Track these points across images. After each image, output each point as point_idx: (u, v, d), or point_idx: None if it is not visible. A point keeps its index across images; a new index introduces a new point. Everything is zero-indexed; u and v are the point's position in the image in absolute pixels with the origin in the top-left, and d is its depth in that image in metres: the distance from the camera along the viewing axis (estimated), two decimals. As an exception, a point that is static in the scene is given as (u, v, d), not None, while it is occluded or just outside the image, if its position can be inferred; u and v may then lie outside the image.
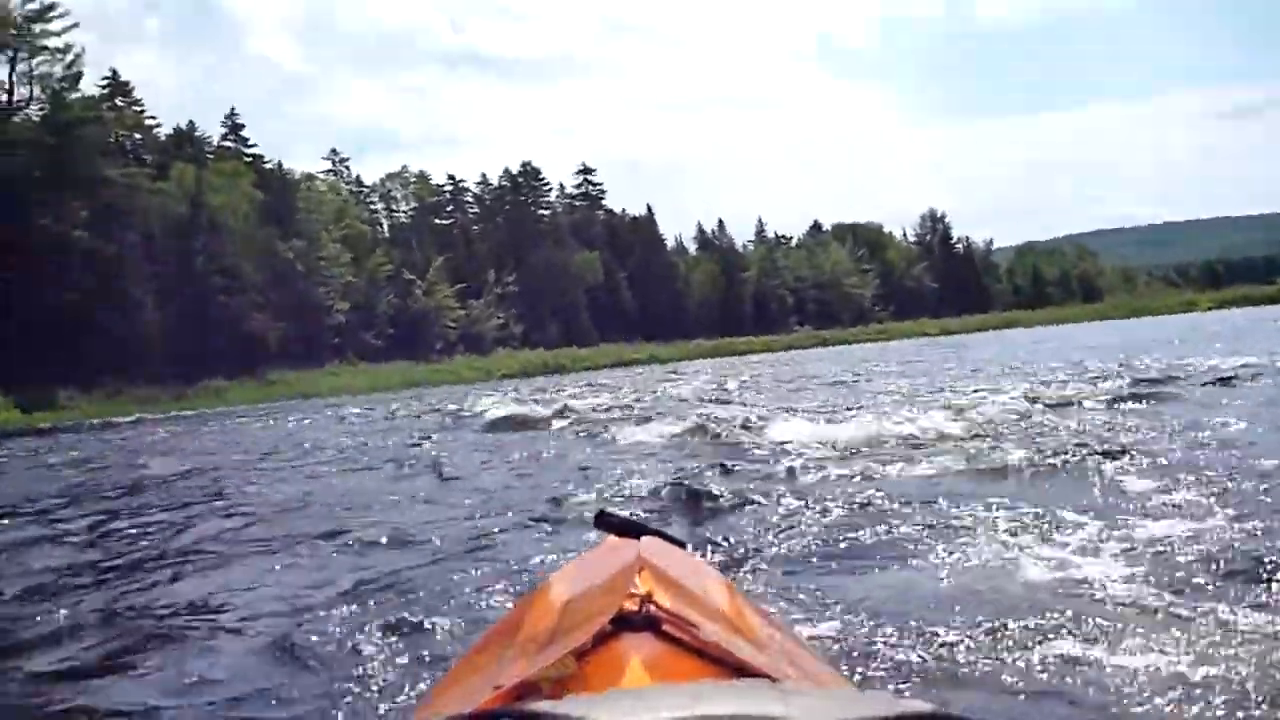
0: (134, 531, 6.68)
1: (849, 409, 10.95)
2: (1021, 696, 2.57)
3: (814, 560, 4.08)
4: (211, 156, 61.29)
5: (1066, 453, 6.14)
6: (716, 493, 5.68)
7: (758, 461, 7.31)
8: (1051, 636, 2.89)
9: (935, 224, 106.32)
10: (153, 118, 59.86)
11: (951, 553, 3.93)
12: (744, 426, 9.51)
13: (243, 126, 67.92)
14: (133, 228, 47.30)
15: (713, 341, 66.97)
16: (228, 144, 66.71)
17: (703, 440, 9.17)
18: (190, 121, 64.30)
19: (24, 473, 13.55)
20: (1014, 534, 4.17)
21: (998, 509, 4.63)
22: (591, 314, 72.94)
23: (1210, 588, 3.29)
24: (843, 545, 4.28)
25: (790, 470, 6.54)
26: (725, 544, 4.40)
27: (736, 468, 6.86)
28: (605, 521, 1.91)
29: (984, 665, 2.76)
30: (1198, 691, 2.46)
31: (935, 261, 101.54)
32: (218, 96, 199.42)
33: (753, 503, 5.36)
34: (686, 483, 6.13)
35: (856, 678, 2.66)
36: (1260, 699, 2.40)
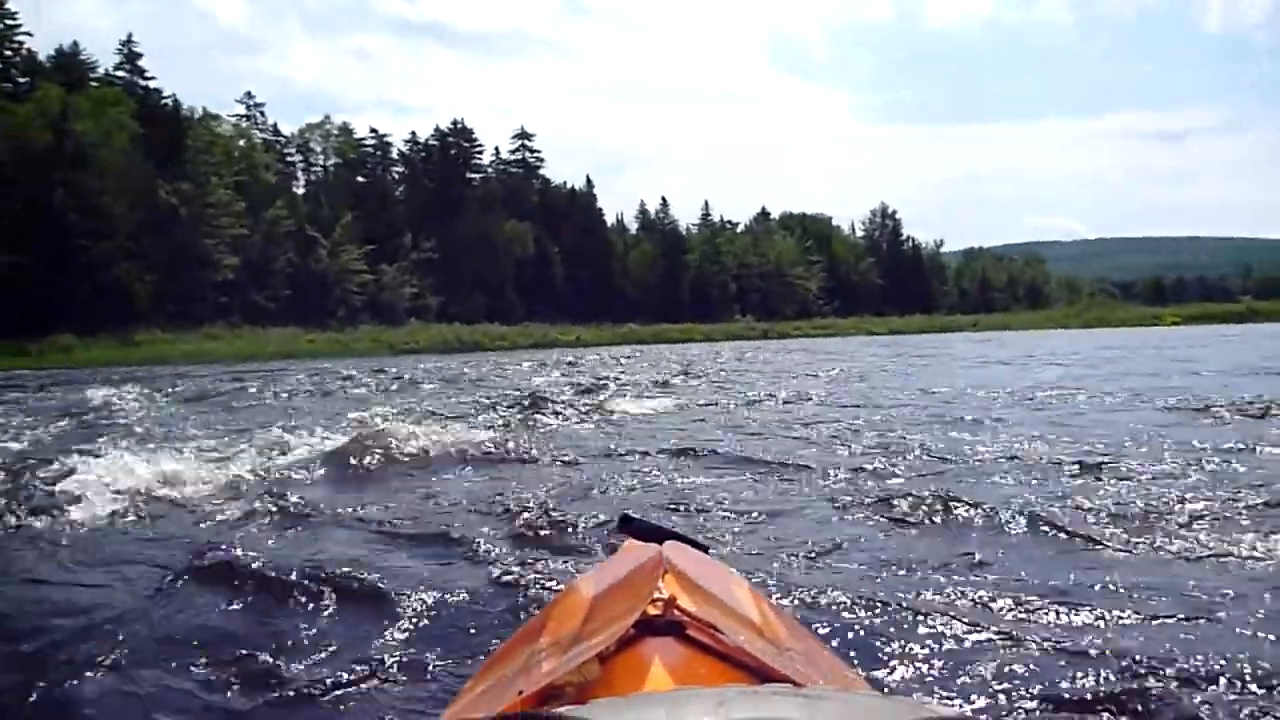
0: None
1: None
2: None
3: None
4: (96, 85, 54.13)
5: None
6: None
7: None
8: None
9: (885, 220, 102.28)
10: (27, 33, 52.66)
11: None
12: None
13: (139, 56, 60.79)
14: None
15: (648, 327, 61.35)
16: (120, 74, 59.51)
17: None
18: (74, 41, 57.13)
19: None
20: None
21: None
22: (518, 289, 66.88)
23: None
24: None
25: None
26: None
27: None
28: (629, 526, 1.90)
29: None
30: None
31: (883, 258, 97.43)
32: (155, 46, 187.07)
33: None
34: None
35: (881, 683, 2.64)
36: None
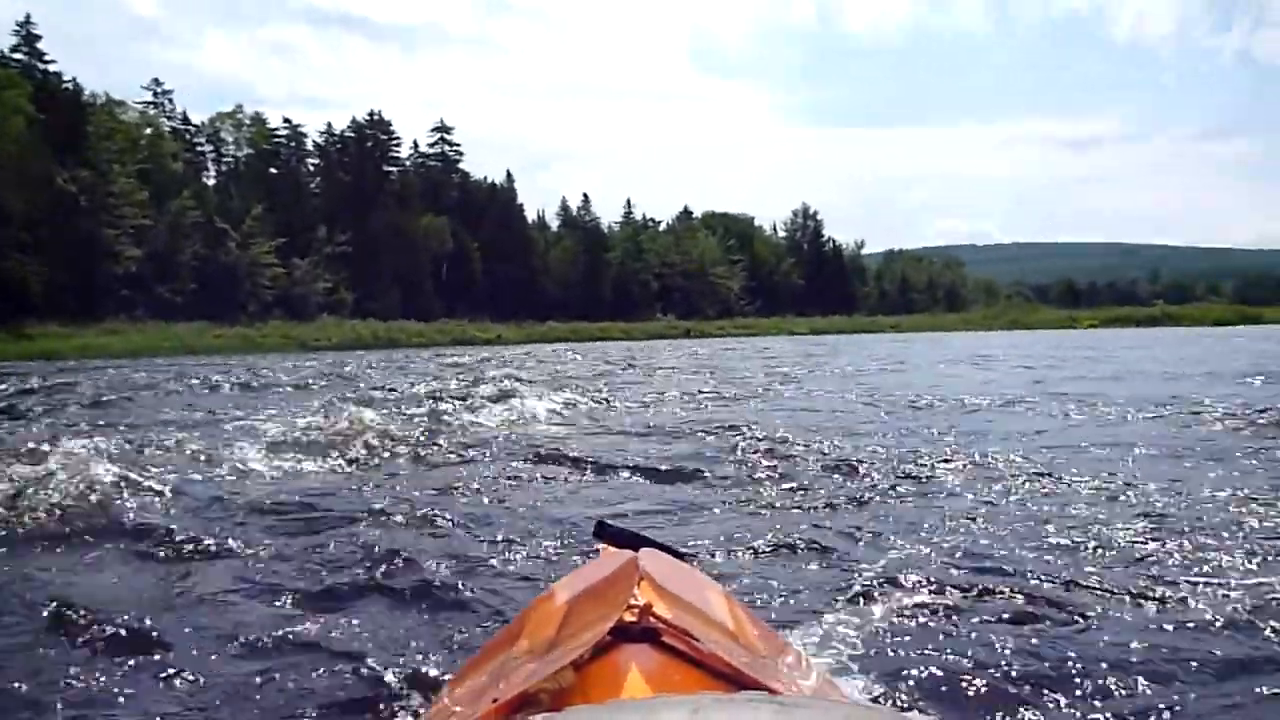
0: None
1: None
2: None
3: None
4: (-7, 68, 51.57)
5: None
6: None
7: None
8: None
9: (806, 221, 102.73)
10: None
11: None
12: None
13: (38, 39, 58.14)
14: None
15: (568, 325, 60.61)
16: (17, 57, 56.83)
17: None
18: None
19: None
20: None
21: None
22: (436, 285, 65.63)
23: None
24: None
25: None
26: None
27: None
28: (604, 532, 1.89)
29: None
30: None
31: (804, 259, 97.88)
32: (61, 33, 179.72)
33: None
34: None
35: (856, 691, 2.61)
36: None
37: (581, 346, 41.60)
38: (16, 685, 2.82)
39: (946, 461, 6.44)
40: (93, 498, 5.25)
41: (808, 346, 34.41)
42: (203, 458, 6.84)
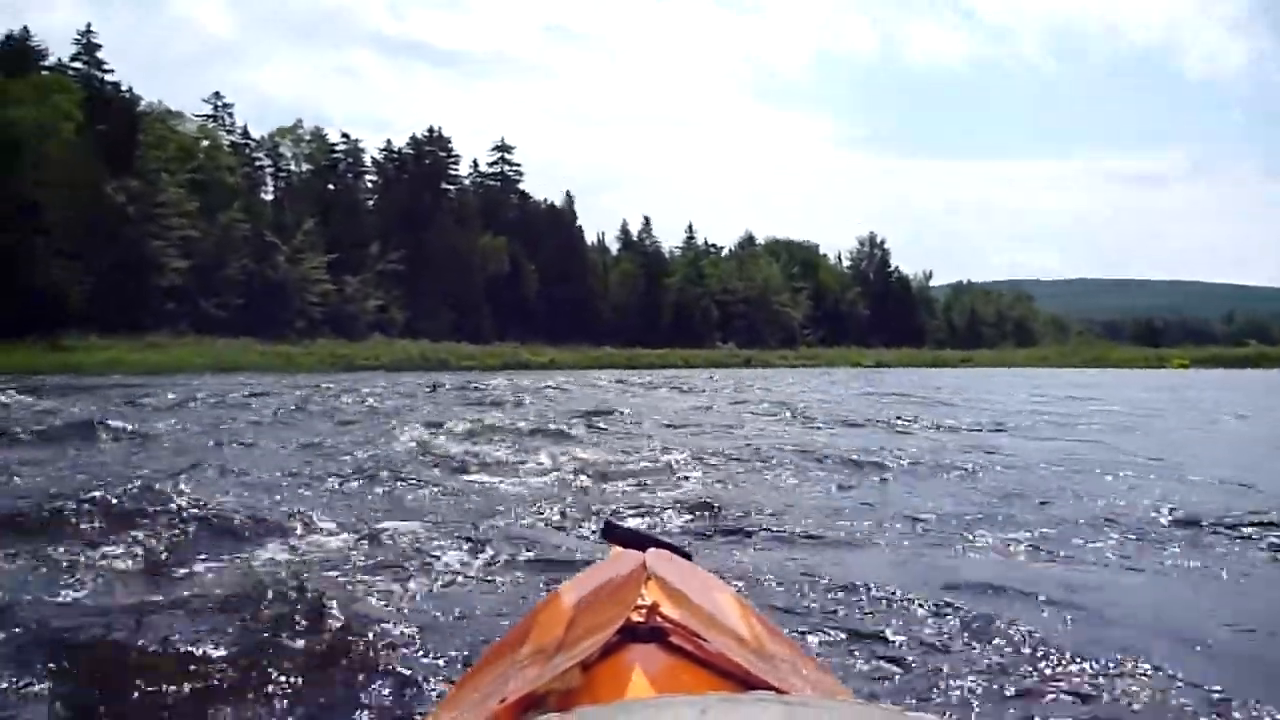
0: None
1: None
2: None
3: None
4: (46, 73, 50.74)
5: None
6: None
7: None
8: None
9: (873, 250, 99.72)
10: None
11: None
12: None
13: (98, 48, 57.45)
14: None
15: (625, 351, 58.22)
16: (76, 65, 56.11)
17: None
18: (25, 27, 53.69)
19: None
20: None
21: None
22: (491, 306, 63.67)
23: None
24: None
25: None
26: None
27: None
28: (612, 533, 1.91)
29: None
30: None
31: (870, 288, 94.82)
32: (135, 55, 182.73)
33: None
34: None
35: (865, 691, 2.57)
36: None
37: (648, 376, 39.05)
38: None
39: None
40: None
41: (905, 383, 31.41)
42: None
